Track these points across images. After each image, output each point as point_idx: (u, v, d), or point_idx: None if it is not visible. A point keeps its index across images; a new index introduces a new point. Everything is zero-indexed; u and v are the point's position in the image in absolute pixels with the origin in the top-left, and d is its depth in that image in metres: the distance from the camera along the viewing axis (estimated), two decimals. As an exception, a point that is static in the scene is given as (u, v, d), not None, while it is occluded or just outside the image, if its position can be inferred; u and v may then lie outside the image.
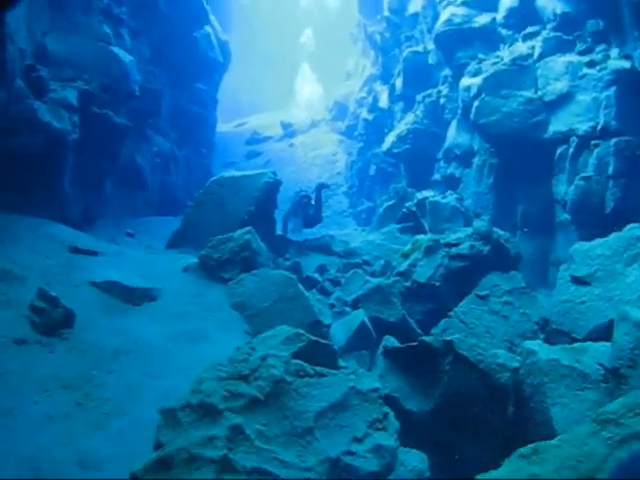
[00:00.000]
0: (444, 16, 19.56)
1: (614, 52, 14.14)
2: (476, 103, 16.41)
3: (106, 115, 15.23)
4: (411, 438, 6.80)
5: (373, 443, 5.43)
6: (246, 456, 4.84)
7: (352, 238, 17.57)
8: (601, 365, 7.81)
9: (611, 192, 13.42)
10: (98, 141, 14.97)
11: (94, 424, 6.72)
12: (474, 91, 16.77)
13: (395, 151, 21.51)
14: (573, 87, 14.66)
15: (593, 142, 13.82)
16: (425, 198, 16.85)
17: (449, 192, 17.29)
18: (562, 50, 15.41)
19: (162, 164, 20.79)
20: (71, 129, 13.38)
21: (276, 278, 10.72)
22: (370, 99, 28.11)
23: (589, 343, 8.63)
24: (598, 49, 14.61)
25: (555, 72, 15.20)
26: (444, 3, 20.31)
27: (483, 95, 16.26)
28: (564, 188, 14.36)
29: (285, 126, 37.36)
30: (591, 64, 14.50)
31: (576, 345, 8.63)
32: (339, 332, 10.39)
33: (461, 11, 19.17)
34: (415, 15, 23.19)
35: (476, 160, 17.39)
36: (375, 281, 12.35)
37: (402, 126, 21.81)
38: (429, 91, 21.24)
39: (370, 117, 27.39)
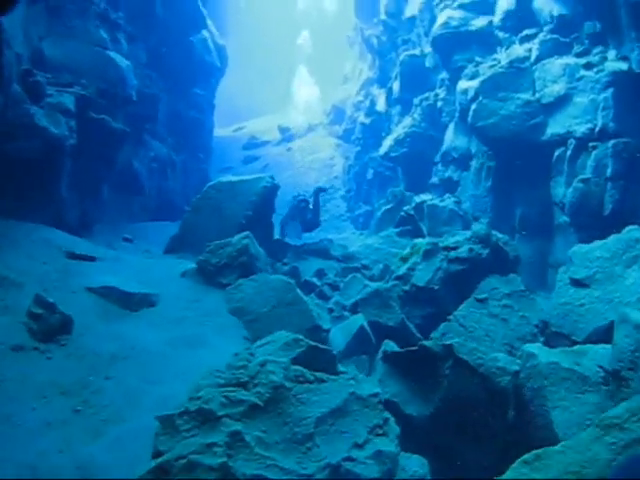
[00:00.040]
0: (441, 19, 19.55)
1: (611, 54, 14.13)
2: (473, 106, 16.39)
3: (103, 120, 15.19)
4: (411, 443, 6.77)
5: (374, 449, 5.40)
6: (246, 463, 4.81)
7: (350, 242, 17.54)
8: (601, 368, 7.79)
9: (609, 194, 13.40)
10: (95, 146, 14.93)
11: (92, 431, 6.69)
12: (471, 94, 16.75)
13: (393, 155, 21.47)
14: (570, 89, 14.64)
15: (591, 144, 13.80)
16: (423, 202, 16.81)
17: (447, 195, 17.25)
18: (559, 52, 15.40)
19: (159, 169, 20.74)
20: (68, 134, 13.34)
21: (275, 283, 10.68)
22: (367, 103, 28.07)
23: (589, 346, 8.60)
24: (595, 51, 14.60)
25: (552, 74, 15.19)
26: (441, 6, 20.29)
27: (480, 98, 16.24)
28: (562, 190, 14.35)
29: (282, 130, 37.33)
30: (588, 66, 14.49)
31: (576, 348, 8.61)
32: (338, 337, 10.36)
33: (458, 14, 19.15)
34: (412, 18, 23.17)
35: (474, 163, 17.36)
36: (374, 285, 12.31)
37: (399, 130, 21.77)
38: (426, 94, 21.19)
39: (367, 121, 27.35)
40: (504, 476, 4.19)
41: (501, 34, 17.75)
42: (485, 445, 7.77)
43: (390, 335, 10.29)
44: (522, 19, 17.01)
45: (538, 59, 15.75)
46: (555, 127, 14.70)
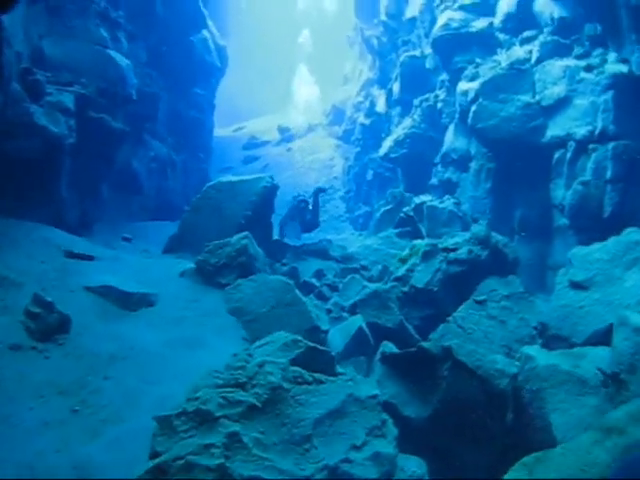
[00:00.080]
0: (441, 20, 19.53)
1: (612, 56, 14.13)
2: (474, 107, 16.39)
3: (103, 119, 15.17)
4: (409, 444, 6.76)
5: (372, 451, 5.39)
6: (243, 464, 4.80)
7: (349, 243, 17.52)
8: (600, 370, 7.78)
9: (609, 196, 13.41)
10: (95, 145, 14.91)
11: (90, 431, 6.68)
12: (471, 95, 16.74)
13: (392, 156, 21.45)
14: (571, 91, 14.64)
15: (591, 146, 13.80)
16: (422, 203, 16.79)
17: (446, 197, 17.23)
18: (560, 54, 15.40)
19: (159, 169, 20.71)
20: (68, 133, 13.32)
21: (273, 283, 10.67)
22: (367, 104, 28.04)
23: (588, 348, 8.60)
24: (595, 53, 14.60)
25: (553, 76, 15.19)
26: (441, 7, 20.27)
27: (481, 99, 16.24)
28: (562, 192, 14.35)
29: (282, 130, 37.27)
30: (589, 68, 14.48)
31: (575, 350, 8.61)
32: (337, 338, 10.35)
33: (458, 15, 19.14)
34: (412, 19, 23.15)
35: (473, 165, 17.34)
36: (373, 286, 12.30)
37: (399, 131, 21.75)
38: (426, 95, 21.16)
39: (367, 122, 27.32)
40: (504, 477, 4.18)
41: (502, 36, 17.74)
42: (483, 447, 7.77)
43: (389, 336, 10.28)
44: (523, 21, 17.01)
45: (538, 61, 15.75)
46: (555, 129, 14.70)
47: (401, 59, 22.81)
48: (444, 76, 20.07)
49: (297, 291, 10.63)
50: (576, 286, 10.68)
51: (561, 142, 14.49)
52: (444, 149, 19.15)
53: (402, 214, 16.87)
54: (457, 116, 18.41)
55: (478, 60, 17.84)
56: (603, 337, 8.99)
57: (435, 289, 11.82)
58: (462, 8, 19.25)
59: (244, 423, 5.13)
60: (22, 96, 12.42)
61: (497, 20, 18.01)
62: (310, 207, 17.38)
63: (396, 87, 23.48)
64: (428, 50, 21.12)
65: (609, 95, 13.77)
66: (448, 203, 16.49)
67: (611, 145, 13.48)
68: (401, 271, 12.45)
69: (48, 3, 14.87)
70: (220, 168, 29.52)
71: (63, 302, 8.69)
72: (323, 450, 5.19)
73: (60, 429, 6.59)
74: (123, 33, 17.90)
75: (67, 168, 13.83)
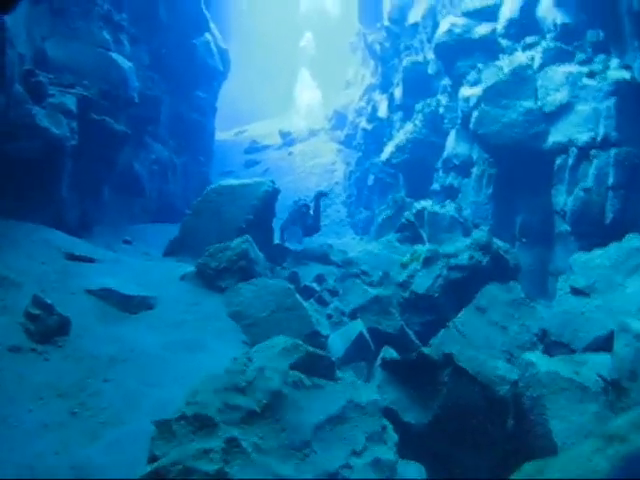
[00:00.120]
0: (444, 26, 19.57)
1: (614, 62, 14.13)
2: (475, 113, 16.40)
3: (104, 121, 15.17)
4: (409, 450, 6.74)
5: (372, 457, 5.36)
6: (242, 470, 4.77)
7: (350, 248, 17.48)
8: (601, 377, 7.77)
9: (611, 203, 13.40)
10: (96, 147, 14.91)
11: (90, 433, 6.64)
12: (474, 101, 16.76)
13: (394, 161, 21.47)
14: (573, 97, 14.64)
15: (593, 153, 13.79)
16: (424, 208, 16.75)
17: (448, 202, 17.22)
18: (562, 60, 15.41)
19: (160, 171, 20.71)
20: (69, 135, 13.32)
21: (274, 288, 10.65)
22: (369, 108, 28.08)
23: (589, 355, 8.60)
24: (598, 59, 14.60)
25: (555, 82, 15.19)
26: (444, 13, 20.32)
27: (483, 105, 16.24)
28: (563, 198, 14.33)
29: (284, 135, 37.30)
30: (591, 74, 14.48)
31: (575, 357, 8.61)
32: (337, 343, 10.32)
33: (461, 21, 19.18)
34: (415, 25, 23.18)
35: (475, 170, 17.35)
36: (373, 291, 12.28)
37: (401, 136, 21.77)
38: (428, 101, 21.19)
39: (369, 127, 27.35)
40: (504, 486, 4.17)
41: (504, 42, 17.75)
42: (484, 453, 7.74)
43: (389, 342, 10.27)
44: (525, 27, 17.02)
45: (541, 67, 15.76)
46: (557, 135, 14.69)
47: (403, 64, 22.87)
48: (446, 81, 20.10)
49: (297, 295, 10.61)
50: (577, 292, 10.69)
51: (563, 148, 14.49)
52: (446, 154, 19.14)
53: (403, 219, 16.84)
54: (459, 121, 18.43)
55: (480, 66, 17.86)
56: (604, 343, 8.99)
57: (436, 295, 11.82)
58: (465, 14, 19.30)
59: (243, 428, 5.11)
60: (24, 98, 12.42)
61: (500, 26, 18.02)
62: (311, 211, 17.35)
63: (398, 92, 23.52)
64: (430, 55, 21.16)
65: (611, 101, 13.77)
66: (449, 208, 16.47)
67: (613, 152, 13.48)
68: (402, 277, 12.45)
69: (51, 4, 14.90)
70: (221, 172, 29.54)
71: (63, 304, 8.66)
72: (323, 456, 5.17)
73: (59, 431, 6.57)
74: (126, 36, 17.93)
75: (68, 170, 13.83)
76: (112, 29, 17.00)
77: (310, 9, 51.41)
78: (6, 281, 9.10)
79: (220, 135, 33.79)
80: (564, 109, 14.73)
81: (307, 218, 17.15)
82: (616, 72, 13.94)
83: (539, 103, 15.36)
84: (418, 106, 21.61)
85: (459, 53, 18.86)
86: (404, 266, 12.84)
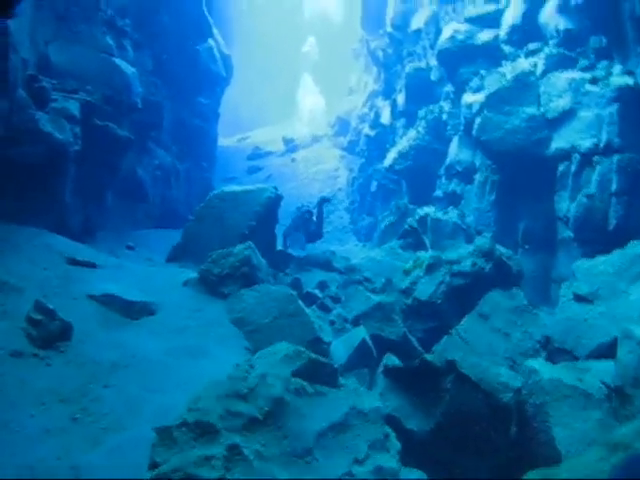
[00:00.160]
0: (447, 32, 19.59)
1: (617, 68, 14.11)
2: (478, 119, 16.38)
3: (108, 127, 15.19)
4: (412, 457, 6.71)
5: (374, 464, 5.34)
6: (244, 477, 4.74)
7: (353, 254, 17.48)
8: (604, 384, 7.74)
9: (614, 209, 13.36)
10: (99, 153, 14.93)
11: (91, 439, 6.63)
12: (476, 107, 16.74)
13: (397, 167, 21.46)
14: (576, 104, 14.62)
15: (595, 159, 13.76)
16: (426, 215, 16.77)
17: (451, 209, 17.22)
18: (565, 66, 15.39)
19: (163, 177, 20.73)
20: (73, 140, 13.33)
21: (276, 294, 10.64)
22: (372, 115, 28.10)
23: (592, 361, 8.58)
24: (601, 65, 14.58)
25: (558, 89, 15.17)
26: (447, 19, 20.35)
27: (485, 111, 16.23)
28: (566, 205, 14.30)
29: (287, 141, 37.31)
30: (594, 81, 14.46)
31: (579, 364, 8.58)
32: (340, 349, 10.30)
33: (464, 27, 19.21)
34: (417, 31, 23.20)
35: (478, 177, 17.33)
36: (376, 298, 12.26)
37: (404, 142, 21.77)
38: (431, 107, 21.20)
39: (372, 133, 27.35)
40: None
41: (507, 48, 17.75)
42: (487, 460, 7.72)
43: (392, 348, 10.24)
44: (528, 33, 17.01)
45: (543, 73, 15.74)
46: (560, 142, 14.67)
47: (406, 70, 22.89)
48: (449, 88, 20.11)
49: (300, 302, 10.59)
50: (580, 299, 10.66)
51: (566, 154, 14.46)
52: (448, 161, 19.13)
53: (406, 226, 16.84)
54: (462, 128, 18.42)
55: (483, 72, 17.86)
56: (607, 350, 8.96)
57: (439, 301, 11.80)
58: (467, 20, 19.34)
59: (245, 435, 5.09)
60: (28, 103, 12.44)
61: (502, 32, 18.02)
62: (314, 218, 17.35)
63: (401, 98, 23.53)
64: (433, 62, 21.18)
65: (614, 108, 13.74)
66: (452, 215, 16.48)
67: (616, 158, 13.45)
68: (405, 283, 12.43)
69: (55, 9, 14.91)
70: (224, 178, 29.55)
71: (65, 309, 8.65)
72: (325, 463, 5.14)
73: (61, 437, 6.55)
74: (129, 41, 17.98)
75: (72, 175, 13.84)
76: (115, 34, 17.05)
77: (313, 15, 51.43)
78: (7, 286, 9.10)
79: (223, 141, 33.82)
80: (567, 115, 14.70)
81: (310, 224, 17.15)
82: (619, 78, 13.92)
83: (542, 109, 15.34)
84: (421, 112, 21.62)
85: (462, 59, 18.87)
86: (407, 273, 12.82)
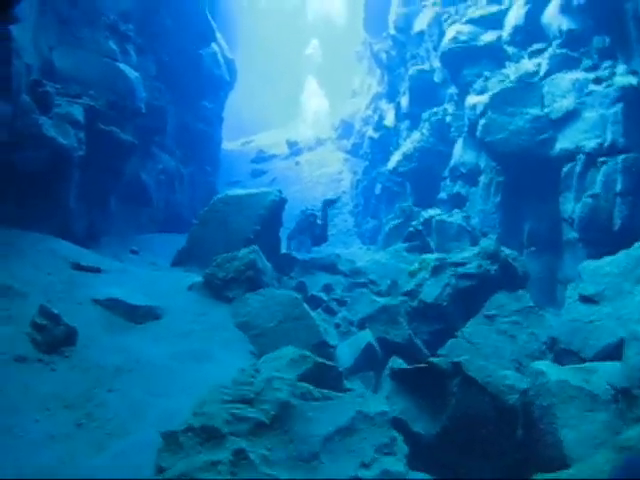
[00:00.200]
0: (450, 34, 19.56)
1: (620, 68, 14.08)
2: (482, 121, 16.34)
3: (112, 132, 15.21)
4: (418, 461, 6.68)
5: (381, 468, 5.31)
6: (250, 482, 4.73)
7: (357, 257, 17.46)
8: (611, 386, 7.69)
9: (619, 210, 13.31)
10: (103, 158, 14.94)
11: (96, 444, 6.60)
12: (480, 109, 16.71)
13: (401, 170, 21.44)
14: (580, 104, 14.58)
15: (600, 159, 13.72)
16: (431, 217, 16.75)
17: (455, 211, 17.20)
18: (568, 67, 15.36)
19: (167, 181, 20.75)
20: (77, 145, 13.35)
21: (281, 298, 10.62)
22: (376, 117, 28.09)
23: (598, 363, 8.53)
24: (604, 65, 14.55)
25: (561, 89, 15.14)
26: (450, 21, 20.32)
27: (489, 113, 16.19)
28: (571, 206, 14.26)
29: (291, 144, 37.33)
30: (597, 81, 14.43)
31: (585, 365, 8.53)
32: (345, 353, 10.28)
33: (467, 29, 19.17)
34: (421, 33, 23.16)
35: (482, 178, 17.29)
36: (381, 301, 12.24)
37: (408, 144, 21.75)
38: (435, 109, 21.17)
39: (376, 135, 27.34)
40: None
41: (510, 49, 17.72)
42: (493, 463, 7.68)
43: (397, 351, 10.22)
44: (531, 34, 16.98)
45: (547, 74, 15.71)
46: (564, 142, 14.63)
47: (410, 73, 22.86)
48: (453, 90, 20.07)
49: (305, 305, 10.57)
50: (586, 300, 10.61)
51: (570, 155, 14.42)
52: (453, 163, 19.11)
53: (411, 228, 16.83)
54: (466, 130, 18.38)
55: (487, 73, 17.84)
56: (614, 352, 8.92)
57: (444, 304, 11.77)
58: (470, 21, 19.30)
59: (251, 440, 5.07)
60: (31, 108, 12.46)
61: (505, 33, 18.00)
62: (319, 221, 17.35)
63: (405, 101, 23.50)
64: (436, 64, 21.14)
65: (618, 107, 13.70)
66: (457, 217, 16.45)
67: (621, 158, 13.40)
68: (410, 286, 12.41)
69: (58, 14, 14.93)
70: (228, 181, 29.58)
71: (70, 314, 8.64)
72: (331, 467, 5.12)
73: (66, 442, 6.53)
74: (132, 46, 17.99)
75: (76, 180, 13.85)
76: (119, 39, 17.06)
77: (317, 18, 51.44)
78: (11, 291, 9.10)
79: (227, 145, 33.86)
80: (571, 116, 14.66)
81: (315, 228, 17.16)
82: (623, 78, 13.89)
83: (546, 110, 15.31)
84: (425, 115, 21.59)
85: (465, 61, 18.84)
86: (412, 275, 12.80)
